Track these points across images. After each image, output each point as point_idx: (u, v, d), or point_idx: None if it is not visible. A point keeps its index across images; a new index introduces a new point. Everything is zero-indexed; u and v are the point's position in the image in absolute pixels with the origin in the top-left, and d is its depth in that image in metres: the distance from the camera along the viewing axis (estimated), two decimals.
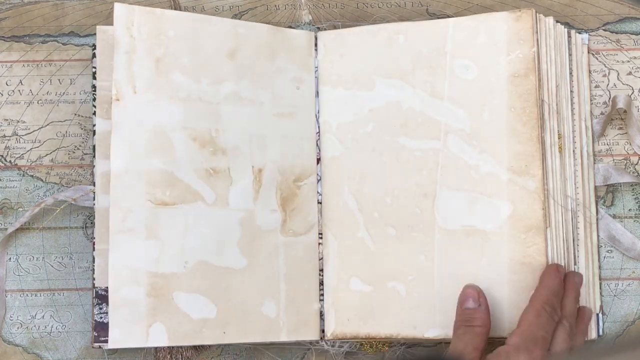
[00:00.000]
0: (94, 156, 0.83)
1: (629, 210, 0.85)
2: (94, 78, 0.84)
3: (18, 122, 0.87)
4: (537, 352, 0.74)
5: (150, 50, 0.82)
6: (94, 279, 0.82)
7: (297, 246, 0.84)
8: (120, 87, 0.82)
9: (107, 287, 0.81)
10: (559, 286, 0.78)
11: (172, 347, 0.84)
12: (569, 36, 0.85)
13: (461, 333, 0.77)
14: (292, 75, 0.85)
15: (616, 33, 0.87)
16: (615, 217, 0.85)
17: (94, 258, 0.82)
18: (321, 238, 0.85)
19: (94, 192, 0.83)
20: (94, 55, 0.85)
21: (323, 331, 0.84)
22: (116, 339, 0.80)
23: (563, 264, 0.81)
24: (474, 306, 0.78)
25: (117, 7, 0.82)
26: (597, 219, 0.85)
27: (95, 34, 0.84)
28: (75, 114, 0.87)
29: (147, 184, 0.81)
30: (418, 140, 0.83)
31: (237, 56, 0.84)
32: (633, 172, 0.85)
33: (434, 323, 0.81)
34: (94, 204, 0.83)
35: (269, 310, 0.82)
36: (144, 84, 0.82)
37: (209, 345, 0.84)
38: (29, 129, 0.87)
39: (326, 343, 0.84)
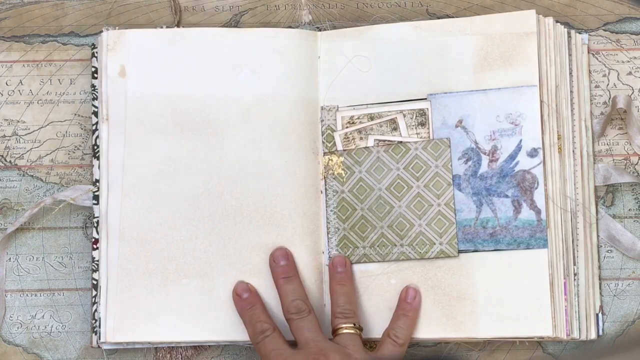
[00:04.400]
0: (94, 156, 0.84)
1: (629, 210, 0.85)
2: (94, 78, 0.84)
3: (18, 122, 0.87)
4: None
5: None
6: (94, 279, 0.82)
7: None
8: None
9: (107, 287, 0.82)
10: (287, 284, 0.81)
11: (172, 346, 0.84)
12: (569, 36, 0.85)
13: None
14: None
15: (616, 33, 0.87)
16: (615, 217, 0.85)
17: (93, 258, 0.83)
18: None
19: (93, 192, 0.83)
20: (93, 55, 0.85)
21: None
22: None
23: (562, 264, 0.81)
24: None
25: (103, 35, 0.84)
26: (597, 219, 0.84)
27: (95, 34, 0.84)
28: (75, 114, 0.87)
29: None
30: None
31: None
32: (633, 172, 0.85)
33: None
34: (97, 207, 0.83)
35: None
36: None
37: (209, 345, 0.84)
38: (29, 129, 0.87)
39: None
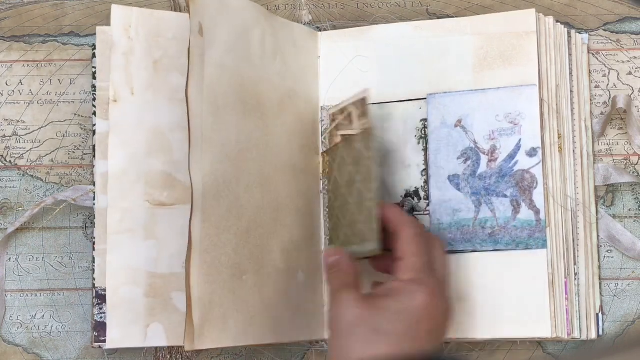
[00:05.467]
0: (94, 156, 0.83)
1: (629, 210, 0.85)
2: (94, 78, 0.84)
3: (18, 122, 0.87)
4: (431, 281, 0.74)
5: (148, 52, 0.82)
6: (94, 279, 0.82)
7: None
8: (117, 89, 0.82)
9: (106, 287, 0.81)
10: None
11: (172, 347, 0.84)
12: (569, 36, 0.85)
13: (331, 278, 0.76)
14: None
15: (616, 33, 0.87)
16: (615, 217, 0.85)
17: (94, 258, 0.83)
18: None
19: (94, 192, 0.83)
20: (94, 55, 0.85)
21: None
22: (114, 339, 0.80)
23: (563, 264, 0.81)
24: (335, 259, 0.77)
25: (115, 9, 0.82)
26: (597, 219, 0.84)
27: (95, 34, 0.84)
28: (75, 114, 0.87)
29: (145, 185, 0.82)
30: None
31: None
32: (633, 172, 0.85)
33: None
34: (94, 204, 0.83)
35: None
36: (142, 86, 0.82)
37: None
38: (29, 129, 0.87)
39: (326, 343, 0.84)
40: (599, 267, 0.84)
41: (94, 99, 0.84)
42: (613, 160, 0.86)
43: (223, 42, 0.77)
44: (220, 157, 0.76)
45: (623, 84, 0.86)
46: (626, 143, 0.86)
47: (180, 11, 0.88)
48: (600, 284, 0.84)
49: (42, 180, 0.87)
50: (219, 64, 0.77)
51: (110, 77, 0.82)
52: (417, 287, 0.73)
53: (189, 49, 0.74)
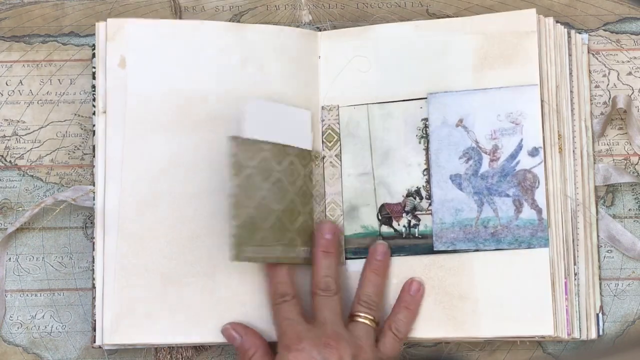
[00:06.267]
0: (94, 156, 0.83)
1: (629, 210, 0.85)
2: (94, 78, 0.84)
3: (18, 122, 0.87)
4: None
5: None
6: (94, 279, 0.82)
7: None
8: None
9: (103, 287, 0.81)
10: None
11: (172, 346, 0.84)
12: (569, 36, 0.85)
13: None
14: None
15: (616, 33, 0.87)
16: (615, 217, 0.85)
17: (94, 258, 0.82)
18: None
19: (94, 192, 0.83)
20: (93, 55, 0.85)
21: None
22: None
23: (563, 264, 0.81)
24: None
25: (100, 26, 0.83)
26: (597, 219, 0.85)
27: (95, 34, 0.84)
28: (75, 114, 0.87)
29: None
30: None
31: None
32: (633, 172, 0.85)
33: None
34: (94, 204, 0.83)
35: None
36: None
37: (209, 345, 0.84)
38: (29, 129, 0.87)
39: None
40: (599, 267, 0.84)
41: (94, 99, 0.84)
42: (613, 160, 0.86)
43: (153, 69, 0.82)
44: (147, 174, 0.81)
45: (623, 84, 0.86)
46: (626, 143, 0.86)
47: (180, 12, 0.88)
48: (600, 284, 0.84)
49: (42, 180, 0.87)
50: (146, 92, 0.82)
51: (98, 91, 0.83)
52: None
53: (98, 81, 0.82)
